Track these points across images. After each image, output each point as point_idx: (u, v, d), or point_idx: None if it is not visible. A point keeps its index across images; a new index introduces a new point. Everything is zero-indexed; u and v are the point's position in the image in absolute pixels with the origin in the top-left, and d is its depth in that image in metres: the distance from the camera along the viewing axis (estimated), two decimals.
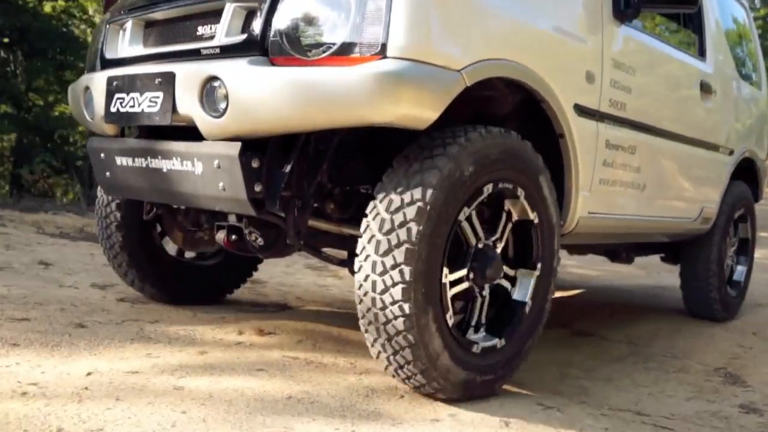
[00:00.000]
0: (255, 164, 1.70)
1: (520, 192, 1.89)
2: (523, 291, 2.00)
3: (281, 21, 1.63)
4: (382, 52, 1.54)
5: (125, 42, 2.06)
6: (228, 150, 1.68)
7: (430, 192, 1.63)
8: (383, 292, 1.65)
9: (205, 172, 1.75)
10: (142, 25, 2.03)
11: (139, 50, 2.01)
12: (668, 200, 2.87)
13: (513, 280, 2.00)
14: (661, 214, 2.83)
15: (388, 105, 1.55)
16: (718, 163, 3.25)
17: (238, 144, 1.67)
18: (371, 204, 1.70)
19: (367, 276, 1.68)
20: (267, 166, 1.73)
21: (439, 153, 1.68)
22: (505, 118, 2.11)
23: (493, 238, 1.90)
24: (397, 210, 1.64)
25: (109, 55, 2.11)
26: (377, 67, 1.52)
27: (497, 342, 1.92)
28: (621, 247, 3.33)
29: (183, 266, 2.74)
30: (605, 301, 4.10)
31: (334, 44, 1.58)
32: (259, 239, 2.16)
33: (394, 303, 1.64)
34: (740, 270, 3.74)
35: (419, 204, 1.63)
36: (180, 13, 1.91)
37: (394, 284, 1.63)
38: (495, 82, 1.87)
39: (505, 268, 1.95)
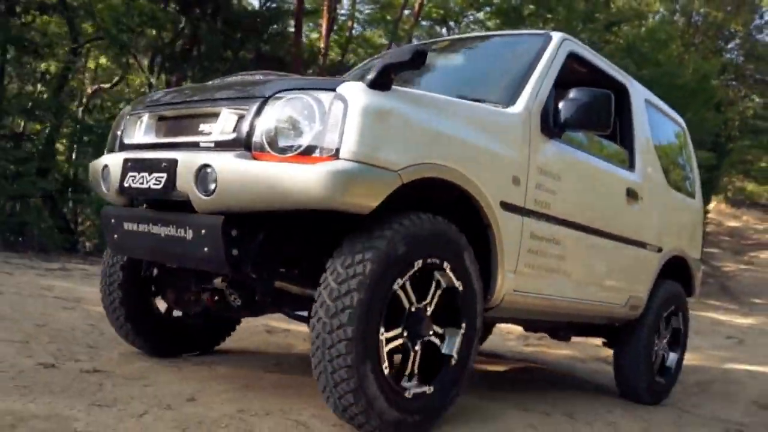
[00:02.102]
0: (234, 233, 2.16)
1: (446, 265, 2.33)
2: (450, 346, 2.41)
3: (262, 126, 2.13)
4: (336, 155, 2.03)
5: (141, 131, 2.56)
6: (213, 221, 2.15)
7: (369, 267, 2.07)
8: (330, 347, 2.06)
9: (194, 237, 2.21)
10: (156, 118, 2.55)
11: (152, 138, 2.51)
12: (594, 286, 3.31)
13: (442, 337, 2.40)
14: (587, 298, 3.26)
15: (338, 195, 2.01)
16: (645, 257, 3.71)
17: (222, 217, 2.13)
18: (323, 275, 2.14)
19: (319, 334, 2.09)
20: (244, 236, 2.18)
21: (378, 235, 2.13)
22: (449, 208, 2.58)
23: (425, 303, 2.32)
24: (343, 281, 2.07)
25: (127, 141, 2.62)
26: (331, 167, 2.00)
27: (427, 389, 2.31)
28: (558, 326, 3.74)
29: (171, 323, 3.15)
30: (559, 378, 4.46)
31: (300, 146, 2.07)
32: (237, 299, 2.60)
33: (339, 356, 2.05)
34: (672, 357, 4.13)
35: (360, 277, 2.06)
36: (187, 112, 2.44)
37: (339, 341, 2.04)
38: (435, 180, 2.33)
39: (435, 326, 2.36)
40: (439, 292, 2.37)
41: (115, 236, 2.55)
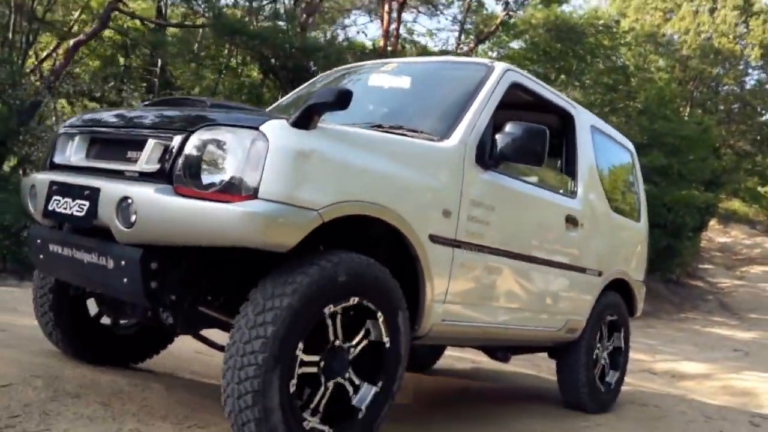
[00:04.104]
0: (153, 266, 2.17)
1: (380, 316, 2.35)
2: (361, 399, 2.36)
3: (184, 160, 2.14)
4: (255, 194, 2.04)
5: (72, 151, 2.55)
6: (132, 253, 2.15)
7: (286, 301, 2.09)
8: (240, 368, 2.06)
9: (115, 267, 2.21)
10: (88, 140, 2.54)
11: (81, 161, 2.50)
12: (529, 312, 3.37)
13: (357, 388, 2.38)
14: (521, 324, 3.32)
15: (256, 235, 2.03)
16: (585, 282, 3.79)
17: (141, 249, 2.14)
18: (244, 304, 2.16)
19: (232, 356, 2.10)
20: (164, 269, 2.19)
21: (311, 265, 2.15)
22: (377, 241, 2.61)
23: (349, 345, 2.33)
24: (261, 312, 2.09)
25: (57, 160, 2.60)
26: (249, 206, 2.02)
27: (326, 429, 2.27)
28: (495, 348, 3.81)
29: (103, 330, 3.13)
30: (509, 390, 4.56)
31: (221, 183, 2.08)
32: (169, 318, 2.60)
33: (246, 379, 2.05)
34: (612, 374, 4.24)
35: (276, 310, 2.08)
36: (117, 137, 2.43)
37: (249, 365, 2.05)
38: (360, 216, 2.35)
39: (352, 373, 2.35)
40: (366, 341, 2.38)
41: (41, 257, 2.54)
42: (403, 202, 2.48)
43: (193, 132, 2.17)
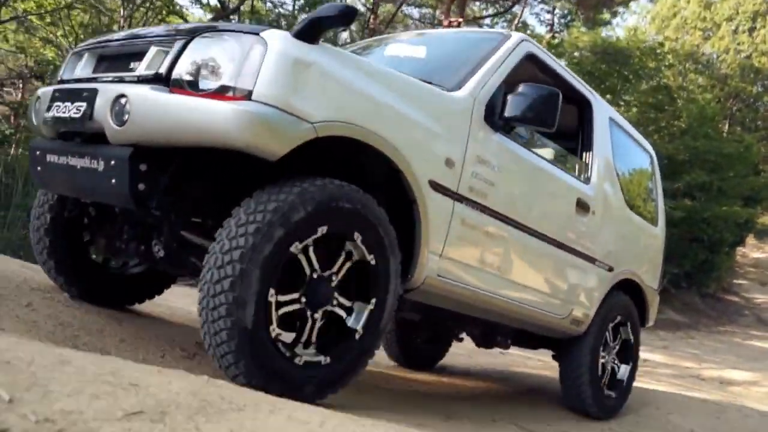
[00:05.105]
0: (143, 168, 2.13)
1: (357, 236, 2.27)
2: (356, 320, 2.33)
3: (182, 63, 2.12)
4: (248, 97, 2.01)
5: (79, 68, 2.57)
6: (122, 152, 2.12)
7: (261, 227, 2.00)
8: (213, 308, 1.98)
9: (104, 169, 2.18)
10: (96, 57, 2.55)
11: (87, 74, 2.51)
12: (531, 290, 3.22)
13: (349, 310, 2.33)
14: (522, 300, 3.18)
15: (244, 135, 1.99)
16: (593, 274, 3.64)
17: (131, 149, 2.11)
18: (219, 230, 2.07)
19: (204, 296, 2.01)
20: (152, 172, 2.16)
21: (279, 193, 2.07)
22: (379, 185, 2.54)
23: (330, 272, 2.25)
24: (233, 238, 2.00)
25: (65, 77, 2.62)
26: (239, 105, 1.98)
27: (323, 359, 2.23)
28: (495, 331, 3.66)
29: (106, 272, 3.09)
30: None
31: (217, 85, 2.06)
32: (161, 251, 2.55)
33: (220, 318, 1.97)
34: (623, 369, 4.03)
35: (251, 236, 1.98)
36: (123, 51, 2.44)
37: (221, 304, 1.96)
38: (357, 143, 2.28)
39: (341, 298, 2.30)
40: (348, 263, 2.31)
41: (39, 169, 2.52)
42: (404, 138, 2.42)
43: (194, 37, 2.17)
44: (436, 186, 2.57)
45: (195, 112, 2.02)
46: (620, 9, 19.57)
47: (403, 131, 2.42)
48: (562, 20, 20.09)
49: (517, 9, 18.94)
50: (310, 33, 2.14)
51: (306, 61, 2.11)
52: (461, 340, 4.62)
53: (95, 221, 2.91)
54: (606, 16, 19.61)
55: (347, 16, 2.17)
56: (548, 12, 20.02)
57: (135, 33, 2.52)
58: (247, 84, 2.02)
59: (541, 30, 18.57)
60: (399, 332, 4.70)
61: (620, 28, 22.44)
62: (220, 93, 2.04)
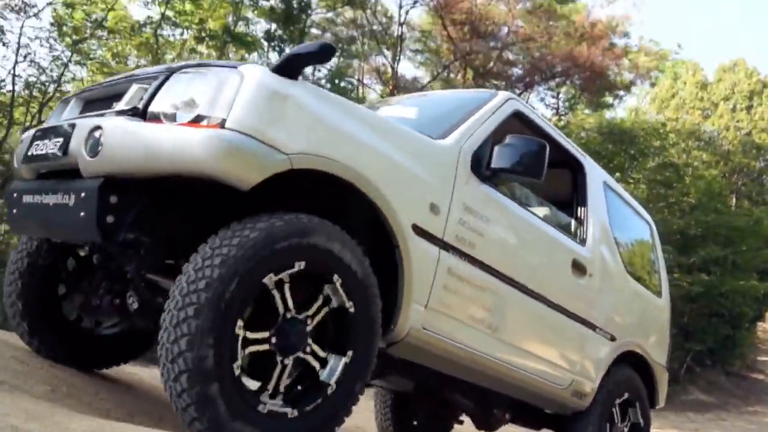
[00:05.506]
0: (113, 200, 2.07)
1: (337, 279, 2.15)
2: (330, 373, 2.17)
3: (160, 97, 2.13)
4: (222, 125, 1.99)
5: (66, 113, 2.59)
6: (92, 183, 2.07)
7: (234, 252, 1.91)
8: (173, 342, 1.87)
9: (75, 202, 2.12)
10: (82, 102, 2.58)
11: (72, 117, 2.52)
12: (527, 353, 3.03)
13: (324, 362, 2.17)
14: (517, 365, 2.98)
15: (217, 162, 1.94)
16: (594, 342, 3.45)
17: (101, 179, 2.06)
18: (186, 264, 1.98)
19: (166, 328, 1.90)
20: (123, 204, 2.10)
21: (256, 223, 2.00)
22: (361, 229, 2.45)
23: (306, 314, 2.12)
24: (193, 281, 1.90)
25: (52, 123, 2.64)
26: (212, 132, 1.96)
27: (289, 411, 2.05)
28: (491, 402, 3.42)
29: (77, 330, 2.93)
30: None
31: (192, 116, 2.04)
32: (135, 302, 2.45)
33: (180, 354, 1.85)
34: None
35: (218, 266, 1.89)
36: (107, 93, 2.46)
37: (183, 335, 1.85)
38: (335, 179, 2.20)
39: (316, 347, 2.14)
40: (326, 309, 2.19)
41: (14, 212, 2.48)
42: (385, 178, 2.36)
43: (173, 73, 2.18)
44: (420, 231, 2.49)
45: (168, 140, 1.99)
46: (621, 92, 20.39)
47: (384, 171, 2.37)
48: (566, 103, 20.98)
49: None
50: (288, 68, 2.15)
51: (283, 94, 2.11)
52: (461, 422, 4.34)
53: (73, 275, 2.83)
54: (609, 99, 20.43)
55: (326, 52, 2.19)
56: (553, 97, 20.97)
57: (122, 76, 2.56)
58: (221, 113, 2.01)
59: (548, 113, 19.32)
60: (395, 413, 4.43)
61: (621, 109, 23.59)
62: (195, 122, 2.02)
